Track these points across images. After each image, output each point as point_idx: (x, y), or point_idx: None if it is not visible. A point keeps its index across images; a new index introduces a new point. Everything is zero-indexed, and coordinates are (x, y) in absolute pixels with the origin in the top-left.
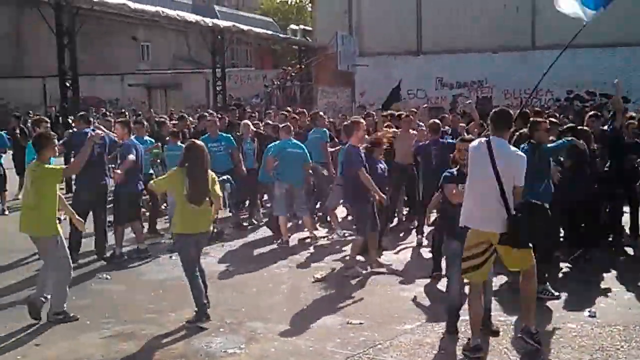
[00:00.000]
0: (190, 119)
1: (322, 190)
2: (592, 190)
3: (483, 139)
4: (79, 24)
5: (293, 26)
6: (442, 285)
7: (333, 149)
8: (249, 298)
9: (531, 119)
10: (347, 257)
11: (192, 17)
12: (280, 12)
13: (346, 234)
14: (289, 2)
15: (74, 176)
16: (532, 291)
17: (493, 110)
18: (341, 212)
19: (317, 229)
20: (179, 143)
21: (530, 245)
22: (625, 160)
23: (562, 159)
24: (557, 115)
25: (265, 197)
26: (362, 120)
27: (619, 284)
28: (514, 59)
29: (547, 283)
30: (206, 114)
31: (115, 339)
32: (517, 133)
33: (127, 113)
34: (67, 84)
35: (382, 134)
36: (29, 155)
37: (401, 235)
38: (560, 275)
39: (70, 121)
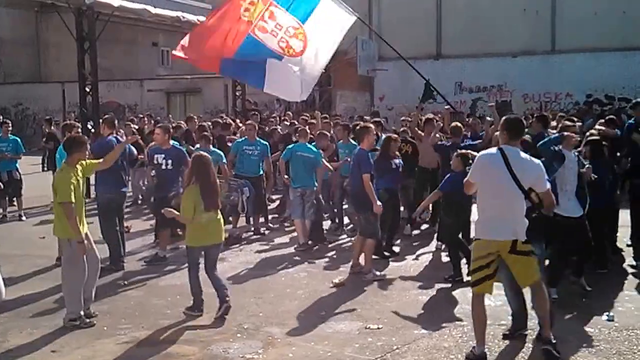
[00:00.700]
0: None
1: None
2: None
3: (494, 149)
4: (99, 29)
5: None
6: (458, 290)
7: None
8: (266, 303)
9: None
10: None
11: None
12: None
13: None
14: None
15: (92, 182)
16: (545, 304)
17: (505, 119)
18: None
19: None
20: (210, 147)
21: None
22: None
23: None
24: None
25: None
26: (371, 125)
27: (636, 287)
28: (534, 62)
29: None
30: (219, 120)
31: (132, 345)
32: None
33: (145, 118)
34: (87, 89)
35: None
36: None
37: (421, 240)
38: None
39: (89, 127)
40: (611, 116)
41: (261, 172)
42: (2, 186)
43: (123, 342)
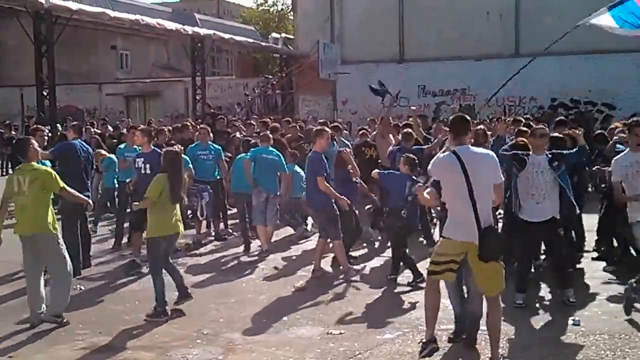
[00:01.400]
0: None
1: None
2: None
3: (448, 152)
4: (57, 33)
5: (274, 34)
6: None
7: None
8: (227, 308)
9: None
10: (337, 264)
11: (171, 25)
12: (262, 20)
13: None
14: (271, 11)
15: None
16: (498, 321)
17: (451, 118)
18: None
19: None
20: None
21: (503, 264)
22: None
23: None
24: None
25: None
26: (326, 129)
27: (603, 292)
28: (498, 66)
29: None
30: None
31: (89, 351)
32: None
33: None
34: (45, 93)
35: None
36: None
37: (382, 244)
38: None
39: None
40: (562, 117)
41: (218, 177)
42: None
43: (80, 348)
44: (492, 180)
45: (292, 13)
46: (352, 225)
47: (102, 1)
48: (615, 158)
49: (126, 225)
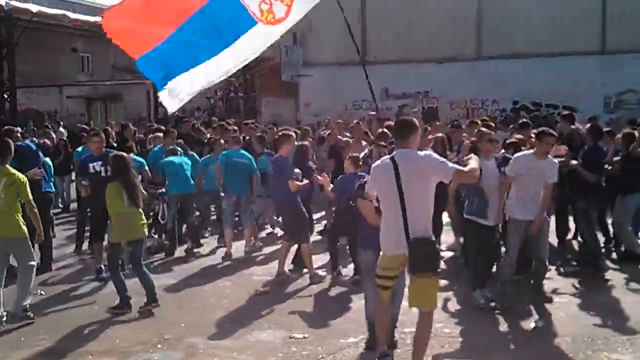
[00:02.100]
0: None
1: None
2: None
3: (387, 157)
4: (17, 35)
5: None
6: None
7: None
8: (189, 313)
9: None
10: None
11: None
12: None
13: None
14: None
15: None
16: (427, 337)
17: (395, 121)
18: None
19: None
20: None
21: (438, 281)
22: None
23: None
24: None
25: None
26: (292, 134)
27: (564, 295)
28: (460, 69)
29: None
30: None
31: (50, 356)
32: None
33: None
34: (5, 96)
35: None
36: None
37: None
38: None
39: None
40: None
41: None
42: None
43: (40, 353)
44: (434, 182)
45: None
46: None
47: (63, 4)
48: (517, 155)
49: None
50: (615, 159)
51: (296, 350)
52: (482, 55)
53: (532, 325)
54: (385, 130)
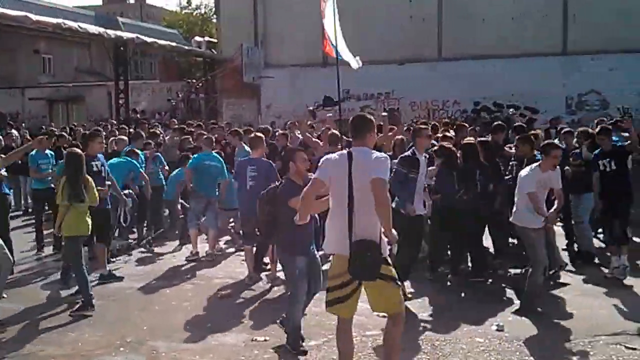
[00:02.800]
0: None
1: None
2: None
3: (345, 151)
4: None
5: (197, 38)
6: None
7: None
8: (151, 316)
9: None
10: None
11: (94, 29)
12: (185, 23)
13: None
14: (194, 14)
15: None
16: (398, 338)
17: (351, 118)
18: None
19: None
20: None
21: (400, 285)
22: None
23: None
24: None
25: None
26: (262, 136)
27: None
28: (420, 70)
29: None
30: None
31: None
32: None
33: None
34: None
35: None
36: None
37: None
38: (467, 287)
39: None
40: (500, 122)
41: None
42: None
43: (2, 358)
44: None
45: (215, 16)
46: None
47: (24, 5)
48: (524, 174)
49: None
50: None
51: (258, 353)
52: (443, 56)
53: (494, 327)
54: (336, 132)
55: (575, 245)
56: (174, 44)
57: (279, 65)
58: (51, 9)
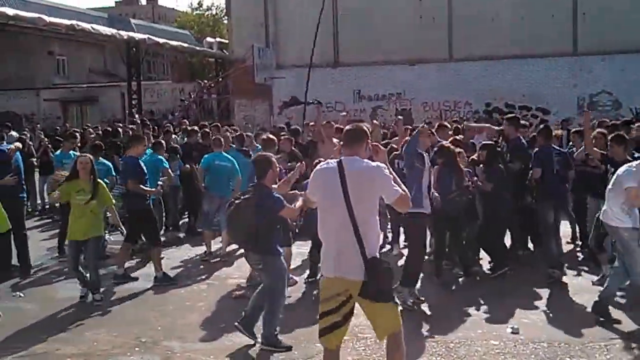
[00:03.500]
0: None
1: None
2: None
3: (334, 160)
4: None
5: (209, 39)
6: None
7: None
8: (166, 316)
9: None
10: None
11: (107, 30)
12: (197, 24)
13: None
14: (205, 15)
15: None
16: (402, 355)
17: (345, 129)
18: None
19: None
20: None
21: (397, 302)
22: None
23: None
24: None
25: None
26: (274, 138)
27: (540, 299)
28: (431, 70)
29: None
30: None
31: (30, 358)
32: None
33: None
34: None
35: None
36: None
37: None
38: (481, 289)
39: None
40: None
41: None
42: None
43: (19, 357)
44: (378, 199)
45: (226, 17)
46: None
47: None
48: (623, 171)
49: None
50: None
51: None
52: (454, 57)
53: (509, 330)
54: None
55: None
56: (185, 44)
57: (290, 66)
58: (65, 11)
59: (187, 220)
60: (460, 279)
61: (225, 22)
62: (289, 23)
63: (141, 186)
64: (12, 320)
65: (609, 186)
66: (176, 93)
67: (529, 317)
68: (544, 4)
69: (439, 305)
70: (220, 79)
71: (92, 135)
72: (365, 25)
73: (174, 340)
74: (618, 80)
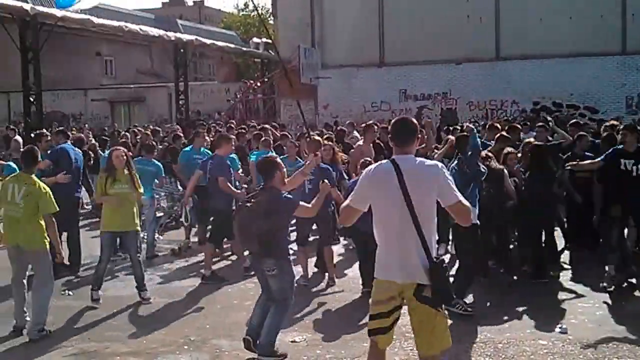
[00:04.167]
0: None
1: None
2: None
3: (385, 160)
4: (43, 40)
5: (255, 39)
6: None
7: None
8: (214, 314)
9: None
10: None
11: (154, 31)
12: (243, 25)
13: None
14: (251, 16)
15: None
16: None
17: (393, 122)
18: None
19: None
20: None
21: (454, 310)
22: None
23: None
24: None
25: None
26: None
27: (588, 300)
28: (478, 70)
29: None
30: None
31: (78, 357)
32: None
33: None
34: (31, 99)
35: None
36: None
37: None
38: (529, 289)
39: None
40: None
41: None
42: None
43: (70, 355)
44: (436, 202)
45: (272, 18)
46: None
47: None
48: None
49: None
50: None
51: (320, 353)
52: (501, 55)
53: (557, 330)
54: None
55: None
56: (232, 45)
57: (335, 65)
58: (112, 12)
59: None
60: (508, 280)
61: (271, 22)
62: (334, 23)
63: (229, 185)
64: (61, 319)
65: None
66: (222, 93)
67: (578, 317)
68: (593, 2)
69: (488, 306)
70: (266, 79)
71: (139, 137)
72: (411, 25)
73: (222, 339)
74: None
